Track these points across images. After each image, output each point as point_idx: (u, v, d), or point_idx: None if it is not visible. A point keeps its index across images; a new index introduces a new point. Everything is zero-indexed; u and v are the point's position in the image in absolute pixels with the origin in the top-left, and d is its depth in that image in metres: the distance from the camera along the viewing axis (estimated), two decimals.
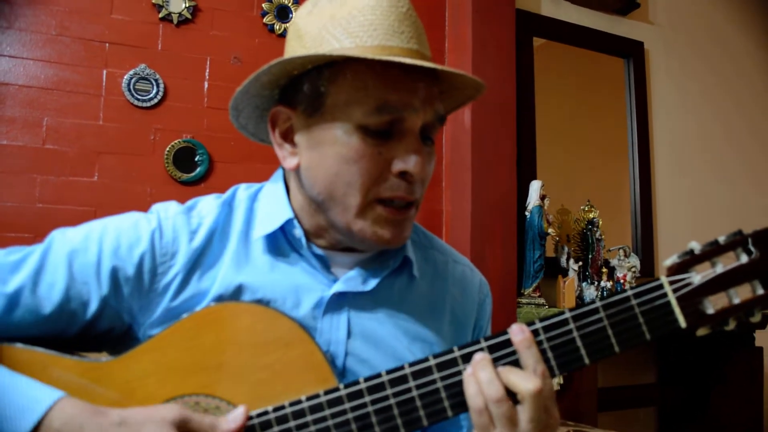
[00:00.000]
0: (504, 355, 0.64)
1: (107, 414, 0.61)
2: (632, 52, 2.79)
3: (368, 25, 0.69)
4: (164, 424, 0.60)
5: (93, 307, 0.71)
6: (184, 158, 2.00)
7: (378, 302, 0.79)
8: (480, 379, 0.62)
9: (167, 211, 0.77)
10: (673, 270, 0.64)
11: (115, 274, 0.72)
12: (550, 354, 0.64)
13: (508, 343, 0.64)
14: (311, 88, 0.71)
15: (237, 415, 0.64)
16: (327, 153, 0.71)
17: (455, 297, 0.85)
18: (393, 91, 0.69)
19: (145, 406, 0.64)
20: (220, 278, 0.74)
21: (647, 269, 2.66)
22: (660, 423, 2.73)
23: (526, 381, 0.61)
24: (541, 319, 0.65)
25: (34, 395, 0.61)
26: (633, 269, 2.45)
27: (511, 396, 0.62)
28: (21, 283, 0.69)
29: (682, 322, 0.63)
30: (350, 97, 0.70)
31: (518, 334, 0.64)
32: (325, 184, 0.72)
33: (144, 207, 0.80)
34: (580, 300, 2.35)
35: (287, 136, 0.77)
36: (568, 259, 2.37)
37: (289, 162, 0.76)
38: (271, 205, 0.79)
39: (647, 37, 2.85)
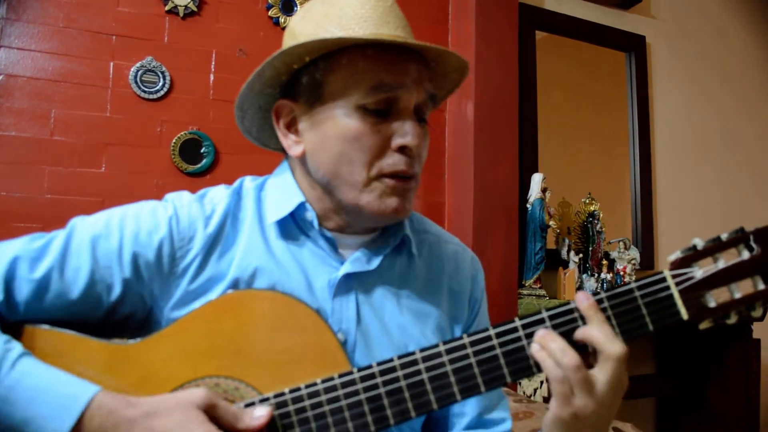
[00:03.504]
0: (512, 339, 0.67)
1: (138, 405, 0.63)
2: (634, 46, 2.80)
3: (359, 18, 0.76)
4: (191, 408, 0.62)
5: (116, 290, 0.74)
6: (190, 150, 2.02)
7: (382, 281, 0.84)
8: (552, 350, 0.64)
9: (181, 199, 0.81)
10: (677, 264, 0.66)
11: (136, 259, 0.75)
12: None
13: (514, 329, 0.67)
14: (310, 80, 0.77)
15: (261, 414, 0.65)
16: (329, 135, 0.77)
17: (450, 274, 0.90)
18: (386, 71, 0.74)
19: (173, 389, 0.67)
20: (236, 262, 0.78)
21: (647, 261, 2.69)
22: (658, 413, 2.76)
23: (612, 343, 0.64)
24: (547, 310, 0.67)
25: (71, 392, 0.63)
26: (633, 261, 2.47)
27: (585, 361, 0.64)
28: (49, 267, 0.72)
29: (684, 314, 0.65)
30: (347, 81, 0.75)
31: (584, 300, 0.67)
32: (330, 165, 0.77)
33: (151, 197, 0.82)
34: None
35: (291, 126, 0.82)
36: (568, 251, 2.40)
37: (295, 150, 0.81)
38: (280, 192, 0.83)
39: (649, 32, 2.87)
